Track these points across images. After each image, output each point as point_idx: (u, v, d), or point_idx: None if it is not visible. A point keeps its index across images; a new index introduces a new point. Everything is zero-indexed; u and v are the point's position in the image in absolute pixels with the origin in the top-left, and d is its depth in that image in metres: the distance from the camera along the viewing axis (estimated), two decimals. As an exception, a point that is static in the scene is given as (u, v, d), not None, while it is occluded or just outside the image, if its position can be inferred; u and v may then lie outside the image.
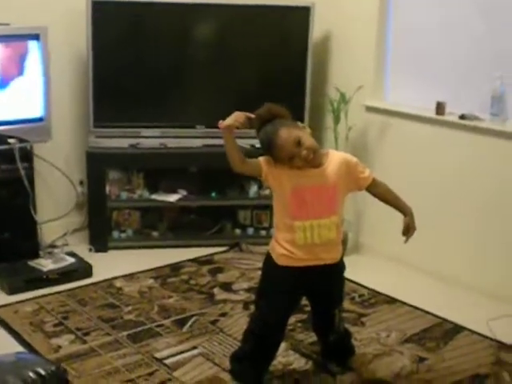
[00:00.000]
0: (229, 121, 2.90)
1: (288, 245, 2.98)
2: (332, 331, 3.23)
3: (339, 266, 3.15)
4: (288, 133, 2.87)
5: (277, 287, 3.06)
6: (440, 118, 4.38)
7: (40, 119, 4.35)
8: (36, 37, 4.25)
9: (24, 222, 4.38)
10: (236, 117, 2.91)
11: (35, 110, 4.35)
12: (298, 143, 2.86)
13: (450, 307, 4.06)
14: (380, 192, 3.09)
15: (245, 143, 4.25)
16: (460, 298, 4.24)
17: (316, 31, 4.86)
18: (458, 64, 4.37)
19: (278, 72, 4.90)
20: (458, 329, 3.82)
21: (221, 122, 2.91)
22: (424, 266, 4.54)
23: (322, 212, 2.95)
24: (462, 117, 4.26)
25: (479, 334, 3.76)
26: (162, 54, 4.82)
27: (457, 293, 4.29)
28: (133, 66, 4.76)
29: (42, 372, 2.06)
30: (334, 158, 3.00)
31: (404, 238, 3.07)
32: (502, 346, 3.64)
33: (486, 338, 3.72)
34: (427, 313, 4.00)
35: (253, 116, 2.93)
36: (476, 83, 4.27)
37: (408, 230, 3.05)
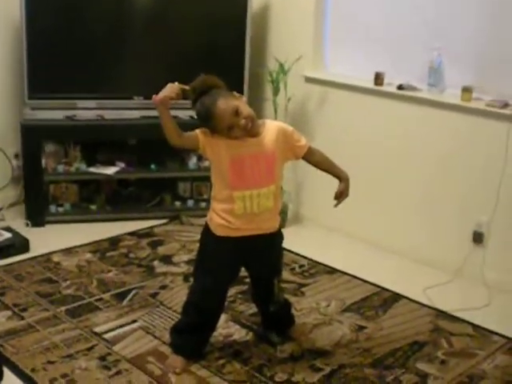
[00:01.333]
0: (163, 93, 2.86)
1: (226, 215, 2.97)
2: (271, 301, 3.24)
3: (277, 236, 3.16)
4: (226, 103, 2.85)
5: (215, 258, 3.06)
6: (378, 88, 4.41)
7: (-28, 91, 4.24)
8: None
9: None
10: (171, 88, 2.87)
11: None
12: (236, 113, 2.84)
13: (388, 276, 4.12)
14: (317, 160, 3.10)
15: (184, 114, 4.23)
16: (398, 266, 4.30)
17: (255, 1, 4.82)
18: (397, 35, 4.38)
19: (217, 42, 4.84)
20: (396, 297, 3.87)
21: (154, 96, 2.87)
22: (362, 235, 4.58)
23: (261, 181, 2.95)
24: (400, 87, 4.29)
25: (417, 302, 3.82)
26: (98, 24, 4.73)
27: (394, 262, 4.35)
28: (68, 35, 4.64)
29: (-25, 349, 2.02)
30: (271, 127, 2.99)
31: (335, 202, 3.09)
32: (439, 313, 3.71)
33: (424, 305, 3.79)
34: (366, 282, 4.05)
35: (187, 87, 2.90)
36: (414, 54, 4.29)
37: (341, 195, 3.07)
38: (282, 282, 3.30)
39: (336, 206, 3.09)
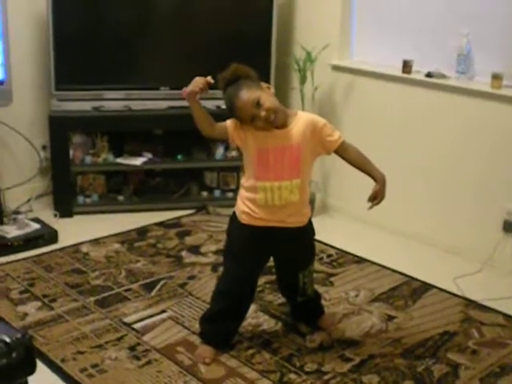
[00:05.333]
0: (189, 88, 2.88)
1: (250, 203, 2.97)
2: (298, 293, 3.24)
3: (305, 230, 3.12)
4: (248, 94, 2.83)
5: (240, 245, 3.06)
6: (406, 76, 4.36)
7: (0, 82, 4.23)
8: (-7, -3, 4.12)
9: (-14, 189, 4.31)
10: (196, 83, 2.87)
11: (-5, 73, 4.23)
12: (258, 104, 2.82)
13: (417, 265, 4.09)
14: (350, 157, 3.00)
15: (211, 104, 4.22)
16: (427, 256, 4.27)
17: (281, -11, 4.81)
18: (425, 22, 4.33)
19: (244, 31, 4.82)
20: (425, 287, 3.84)
21: (184, 89, 2.89)
22: (391, 225, 4.55)
23: (282, 174, 2.92)
24: (429, 75, 4.25)
25: (447, 292, 3.79)
26: (124, 14, 4.73)
27: (423, 251, 4.32)
28: (95, 27, 4.66)
29: (7, 339, 2.01)
30: (302, 119, 2.95)
31: (369, 204, 2.98)
32: (469, 303, 3.67)
33: (454, 295, 3.76)
34: (395, 271, 4.02)
35: (211, 80, 2.88)
36: (443, 41, 4.24)
37: (375, 197, 2.96)
38: (311, 274, 3.27)
39: (370, 208, 2.98)
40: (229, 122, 2.94)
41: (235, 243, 3.10)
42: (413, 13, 4.39)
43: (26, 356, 2.02)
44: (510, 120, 3.93)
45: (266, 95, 2.87)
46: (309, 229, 3.14)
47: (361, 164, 3.01)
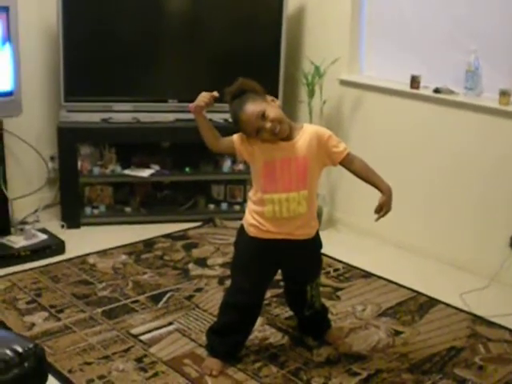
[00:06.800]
0: (195, 103, 2.92)
1: (258, 216, 2.98)
2: (306, 306, 3.24)
3: (313, 243, 3.12)
4: (253, 107, 2.85)
5: (247, 257, 3.07)
6: (414, 91, 4.37)
7: (10, 93, 4.23)
8: (5, 9, 4.13)
9: (-6, 199, 4.31)
10: (201, 97, 2.91)
11: (5, 83, 4.23)
12: (263, 116, 2.84)
13: (424, 280, 4.09)
14: (356, 168, 2.99)
15: (218, 117, 4.23)
16: (434, 271, 4.27)
17: (291, 3, 4.82)
18: (434, 38, 4.35)
19: (252, 45, 4.85)
20: (432, 302, 3.84)
21: (190, 105, 2.93)
22: (398, 239, 4.55)
23: (290, 185, 2.93)
24: (437, 90, 4.26)
25: (453, 307, 3.78)
26: (134, 27, 4.76)
27: (430, 266, 4.32)
28: (104, 39, 4.68)
29: (20, 349, 2.00)
30: (307, 132, 2.96)
31: (376, 216, 2.97)
32: (476, 318, 3.66)
33: (461, 311, 3.75)
34: (401, 286, 4.02)
35: (217, 95, 2.91)
36: (451, 57, 4.26)
37: (381, 209, 2.94)
38: (318, 287, 3.27)
39: (376, 220, 2.96)
40: (235, 137, 2.96)
41: (243, 256, 3.11)
42: (421, 28, 4.40)
43: (38, 366, 2.02)
44: (517, 136, 3.94)
45: (271, 107, 2.88)
46: (316, 241, 3.15)
47: (367, 175, 3.01)
